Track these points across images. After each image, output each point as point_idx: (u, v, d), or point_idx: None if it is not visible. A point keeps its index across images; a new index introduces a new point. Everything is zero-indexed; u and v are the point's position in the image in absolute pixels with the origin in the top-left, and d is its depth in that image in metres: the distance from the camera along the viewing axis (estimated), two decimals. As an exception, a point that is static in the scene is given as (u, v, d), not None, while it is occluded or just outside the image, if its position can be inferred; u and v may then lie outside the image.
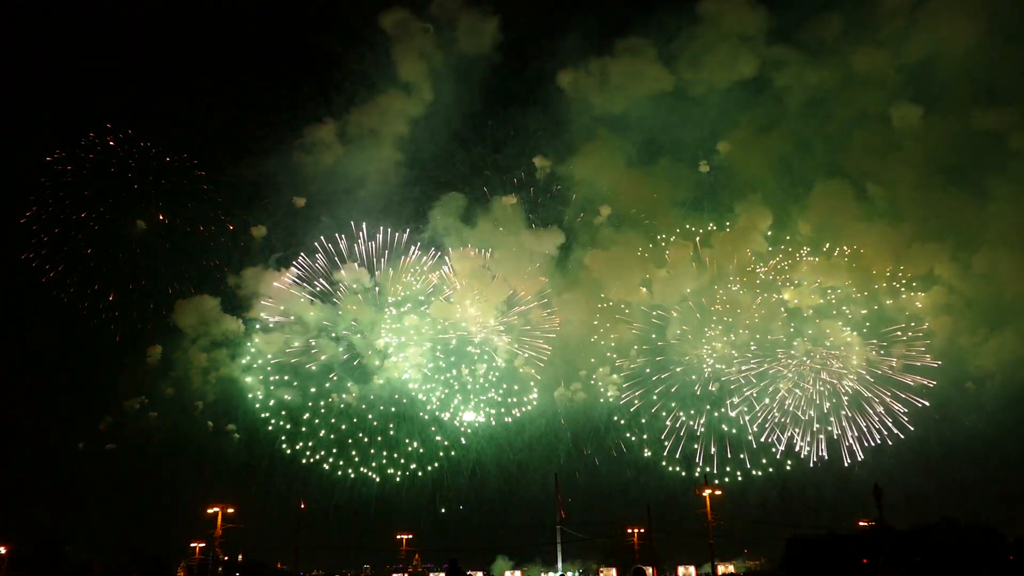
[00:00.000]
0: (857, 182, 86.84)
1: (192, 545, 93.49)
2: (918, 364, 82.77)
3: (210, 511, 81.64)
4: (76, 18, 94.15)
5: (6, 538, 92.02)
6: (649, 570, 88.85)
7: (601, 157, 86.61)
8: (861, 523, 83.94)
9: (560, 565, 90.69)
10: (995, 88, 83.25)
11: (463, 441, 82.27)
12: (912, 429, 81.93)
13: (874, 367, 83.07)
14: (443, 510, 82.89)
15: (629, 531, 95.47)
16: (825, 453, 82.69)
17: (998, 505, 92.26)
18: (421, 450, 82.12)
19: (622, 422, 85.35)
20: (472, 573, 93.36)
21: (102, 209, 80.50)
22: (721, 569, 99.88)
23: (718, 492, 79.18)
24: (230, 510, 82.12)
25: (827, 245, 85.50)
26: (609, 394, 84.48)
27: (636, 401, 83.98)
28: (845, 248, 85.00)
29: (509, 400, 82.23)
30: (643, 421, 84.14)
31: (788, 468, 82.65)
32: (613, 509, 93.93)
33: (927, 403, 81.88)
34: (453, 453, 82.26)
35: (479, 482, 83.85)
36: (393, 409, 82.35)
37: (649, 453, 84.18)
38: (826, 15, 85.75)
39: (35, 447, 78.01)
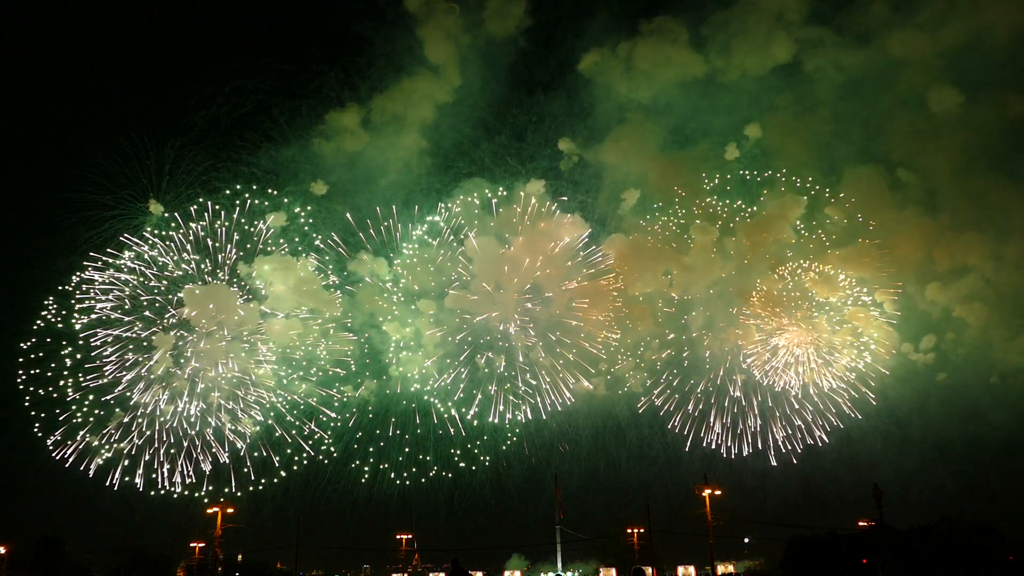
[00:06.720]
0: (892, 169, 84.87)
1: (192, 545, 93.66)
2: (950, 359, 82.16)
3: (210, 511, 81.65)
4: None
5: (6, 538, 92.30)
6: (649, 570, 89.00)
7: (629, 143, 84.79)
8: (861, 523, 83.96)
9: (560, 565, 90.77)
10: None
11: (479, 436, 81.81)
12: (937, 426, 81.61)
13: (905, 360, 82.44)
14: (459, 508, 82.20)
15: (629, 531, 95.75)
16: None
17: (998, 505, 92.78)
18: (437, 447, 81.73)
19: (621, 426, 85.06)
20: (473, 573, 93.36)
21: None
22: (721, 569, 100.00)
23: (718, 492, 79.25)
24: (230, 510, 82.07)
25: (858, 234, 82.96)
26: (629, 387, 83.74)
27: (654, 396, 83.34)
28: (877, 238, 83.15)
29: (527, 394, 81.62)
30: (659, 414, 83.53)
31: (796, 464, 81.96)
32: (625, 508, 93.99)
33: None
34: (469, 446, 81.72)
35: (494, 480, 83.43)
36: (412, 404, 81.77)
37: (663, 451, 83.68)
38: None
39: (36, 446, 77.60)
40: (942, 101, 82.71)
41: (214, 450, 77.53)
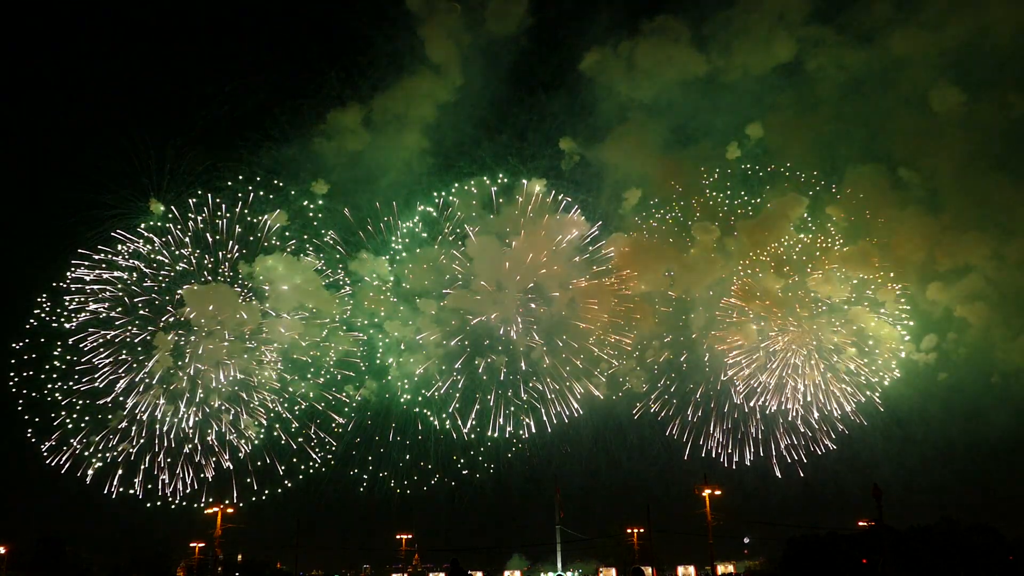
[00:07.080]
0: (893, 168, 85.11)
1: (192, 545, 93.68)
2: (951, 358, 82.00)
3: (210, 511, 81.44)
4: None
5: (6, 538, 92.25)
6: (649, 570, 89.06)
7: (631, 143, 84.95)
8: (861, 523, 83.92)
9: (560, 565, 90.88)
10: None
11: (481, 444, 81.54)
12: (938, 426, 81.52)
13: (906, 360, 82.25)
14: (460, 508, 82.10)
15: (629, 531, 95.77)
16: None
17: (998, 505, 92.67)
18: (437, 450, 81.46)
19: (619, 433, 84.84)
20: (473, 573, 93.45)
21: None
22: (721, 569, 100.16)
23: (718, 492, 79.02)
24: (230, 510, 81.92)
25: (860, 233, 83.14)
26: (630, 387, 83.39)
27: (651, 400, 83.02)
28: (878, 237, 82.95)
29: (532, 398, 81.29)
30: (658, 418, 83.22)
31: (801, 471, 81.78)
32: (625, 508, 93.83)
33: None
34: (472, 453, 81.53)
35: (495, 480, 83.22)
36: (415, 409, 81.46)
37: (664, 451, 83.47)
38: None
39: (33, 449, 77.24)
40: (944, 100, 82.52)
41: (215, 457, 77.23)
